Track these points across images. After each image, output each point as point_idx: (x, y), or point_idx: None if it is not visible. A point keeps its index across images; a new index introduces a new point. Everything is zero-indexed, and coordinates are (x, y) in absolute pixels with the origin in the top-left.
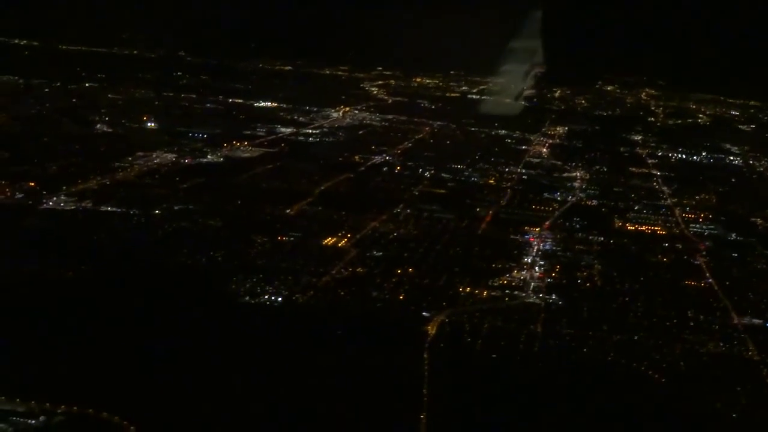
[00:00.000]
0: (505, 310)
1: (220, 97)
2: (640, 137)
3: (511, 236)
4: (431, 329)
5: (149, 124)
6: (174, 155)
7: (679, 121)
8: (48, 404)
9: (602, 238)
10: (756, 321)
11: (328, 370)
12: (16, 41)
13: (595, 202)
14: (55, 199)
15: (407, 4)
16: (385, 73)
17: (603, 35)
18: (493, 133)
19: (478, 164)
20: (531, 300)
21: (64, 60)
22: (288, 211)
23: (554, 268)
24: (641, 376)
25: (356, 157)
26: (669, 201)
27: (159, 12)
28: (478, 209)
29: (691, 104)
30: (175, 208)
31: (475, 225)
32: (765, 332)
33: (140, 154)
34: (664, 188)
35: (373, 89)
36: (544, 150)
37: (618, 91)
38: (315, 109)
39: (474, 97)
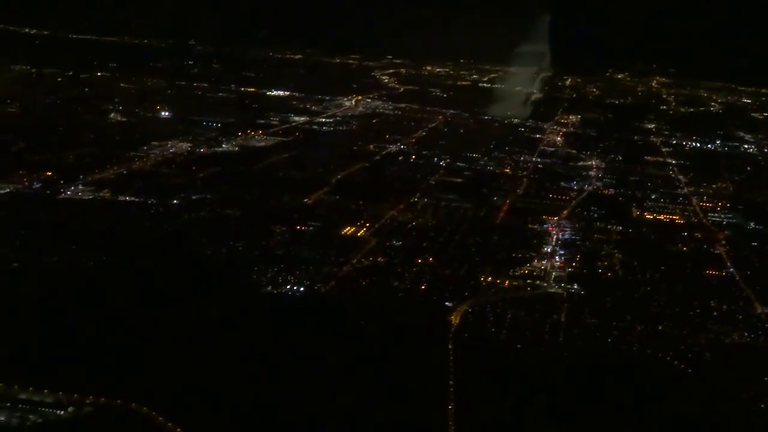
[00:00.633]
0: (527, 300)
1: (232, 85)
2: (653, 125)
3: (530, 225)
4: (454, 319)
5: (163, 114)
6: (189, 144)
7: (692, 109)
8: (76, 395)
9: (621, 228)
10: None
11: (355, 360)
12: (26, 30)
13: (611, 191)
14: (72, 188)
15: None
16: (395, 61)
17: (612, 23)
18: (506, 121)
19: (492, 153)
20: (553, 290)
21: (75, 49)
22: (306, 200)
23: (574, 258)
24: (667, 367)
25: (371, 146)
26: (686, 190)
27: (167, 1)
28: (495, 198)
29: (703, 92)
30: (193, 197)
31: (492, 214)
32: None
33: (155, 143)
34: (680, 177)
35: (384, 78)
36: (558, 138)
37: (629, 79)
38: (327, 98)
39: (485, 85)
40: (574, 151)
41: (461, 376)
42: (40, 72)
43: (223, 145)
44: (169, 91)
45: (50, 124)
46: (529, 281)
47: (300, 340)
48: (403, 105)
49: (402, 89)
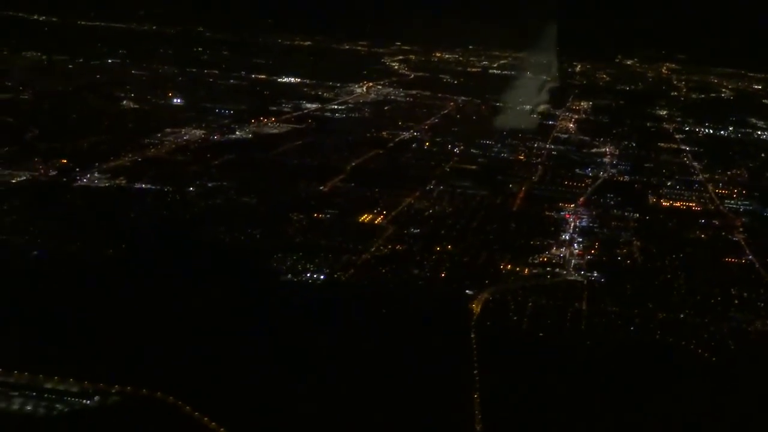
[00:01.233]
0: (548, 288)
1: (243, 72)
2: (665, 112)
3: (546, 213)
4: (476, 307)
5: (175, 101)
6: (202, 131)
7: (703, 96)
8: (101, 384)
9: (638, 215)
10: None
11: (378, 350)
12: (35, 17)
13: (627, 178)
14: (88, 176)
15: None
16: (404, 48)
17: (621, 9)
18: (518, 108)
19: (506, 140)
20: (573, 277)
21: (84, 36)
22: (321, 187)
23: (593, 245)
24: (691, 355)
25: (384, 133)
26: (701, 176)
27: None
28: (510, 185)
29: (713, 78)
30: (209, 185)
31: (509, 201)
32: None
33: (168, 130)
34: (695, 163)
35: (393, 64)
36: (571, 125)
37: (638, 65)
38: (338, 85)
39: (495, 72)
40: (587, 138)
41: (485, 366)
42: (50, 59)
43: (237, 132)
44: (181, 78)
45: (63, 111)
46: (548, 269)
47: (323, 328)
48: (414, 92)
49: (412, 76)
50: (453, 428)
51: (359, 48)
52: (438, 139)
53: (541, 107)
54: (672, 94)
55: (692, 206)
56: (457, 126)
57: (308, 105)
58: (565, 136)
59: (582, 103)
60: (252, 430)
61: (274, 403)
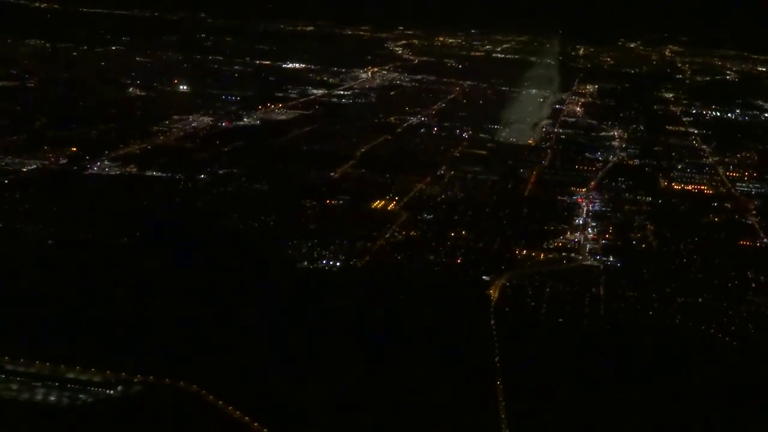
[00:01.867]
0: (564, 273)
1: (247, 58)
2: (671, 95)
3: (559, 197)
4: (494, 293)
5: (181, 87)
6: (210, 118)
7: (708, 78)
8: (124, 374)
9: (650, 198)
10: None
11: (401, 337)
12: (37, 4)
13: (637, 162)
14: (99, 164)
15: None
16: (406, 32)
17: None
18: (524, 92)
19: (514, 124)
20: (589, 262)
21: (86, 23)
22: (332, 174)
23: (607, 230)
24: (713, 340)
25: (391, 119)
26: (710, 159)
27: None
28: (521, 170)
29: (717, 60)
30: (220, 172)
31: (520, 186)
32: None
33: (176, 117)
34: (704, 146)
35: (397, 49)
36: (578, 109)
37: (641, 48)
38: (343, 70)
39: (499, 56)
40: (594, 122)
41: (507, 353)
42: (54, 46)
43: (245, 119)
44: (185, 65)
45: (70, 99)
46: (564, 254)
47: (345, 315)
48: (419, 76)
49: (417, 60)
50: (479, 415)
51: (362, 33)
52: (446, 124)
53: (547, 90)
54: (677, 76)
55: (704, 189)
56: (464, 111)
57: (314, 91)
58: (573, 119)
59: (588, 87)
60: (276, 419)
61: (301, 393)
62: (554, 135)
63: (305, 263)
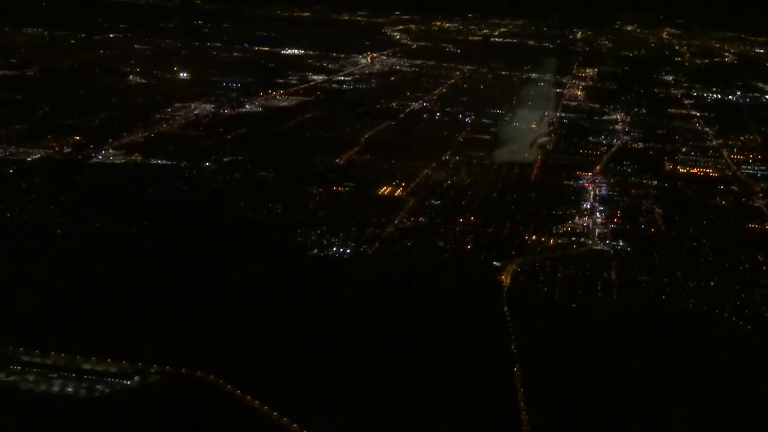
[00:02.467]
0: (575, 258)
1: (246, 44)
2: (671, 77)
3: (565, 182)
4: (505, 279)
5: (181, 75)
6: (212, 105)
7: (707, 61)
8: (140, 364)
9: (656, 182)
10: None
11: (418, 323)
12: None
13: (641, 145)
14: (103, 152)
15: None
16: (403, 17)
17: None
18: (524, 76)
19: (516, 109)
20: (599, 247)
21: (83, 10)
22: (337, 160)
23: (615, 214)
24: (727, 324)
25: (393, 104)
26: (714, 142)
27: None
28: (526, 155)
29: (714, 43)
30: (225, 159)
31: (526, 171)
32: None
33: (178, 105)
34: (707, 129)
35: (395, 34)
36: (579, 93)
37: (638, 30)
38: (342, 56)
39: (498, 39)
40: (596, 105)
41: (522, 340)
42: (52, 35)
43: (247, 106)
44: (184, 52)
45: (71, 88)
46: (573, 239)
47: (359, 303)
48: (419, 62)
49: (415, 45)
50: (498, 403)
51: (359, 18)
52: (448, 109)
53: (547, 74)
54: (676, 59)
55: (709, 172)
56: (465, 95)
57: (315, 77)
58: (575, 103)
59: (587, 70)
60: (294, 407)
61: (319, 383)
62: (557, 119)
63: (315, 250)
